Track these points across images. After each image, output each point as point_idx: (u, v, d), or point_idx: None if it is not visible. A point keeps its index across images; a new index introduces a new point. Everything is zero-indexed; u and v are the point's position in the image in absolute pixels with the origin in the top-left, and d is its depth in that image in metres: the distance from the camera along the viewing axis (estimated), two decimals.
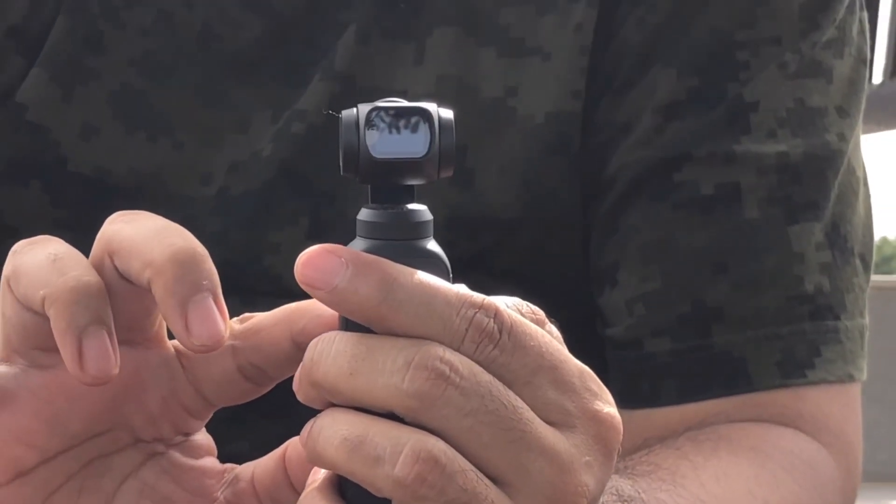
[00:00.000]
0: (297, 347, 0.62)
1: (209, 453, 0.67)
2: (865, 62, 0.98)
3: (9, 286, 0.62)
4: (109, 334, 0.60)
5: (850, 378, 0.91)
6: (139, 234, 0.61)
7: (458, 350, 0.55)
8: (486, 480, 0.55)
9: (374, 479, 0.55)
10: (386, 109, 0.55)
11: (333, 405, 0.57)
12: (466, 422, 0.54)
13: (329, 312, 0.61)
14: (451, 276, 0.57)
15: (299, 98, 0.94)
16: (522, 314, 0.57)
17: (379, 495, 0.55)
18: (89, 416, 0.64)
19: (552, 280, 0.92)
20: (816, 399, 0.90)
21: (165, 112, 0.95)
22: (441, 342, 0.55)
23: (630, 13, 0.92)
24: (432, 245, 0.57)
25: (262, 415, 0.85)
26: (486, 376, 0.55)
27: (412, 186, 0.57)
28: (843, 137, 0.95)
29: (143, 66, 0.95)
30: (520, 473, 0.55)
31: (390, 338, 0.55)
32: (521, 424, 0.55)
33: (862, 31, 0.99)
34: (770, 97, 0.92)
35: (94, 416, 0.64)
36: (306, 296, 0.92)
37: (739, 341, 0.89)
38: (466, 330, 0.55)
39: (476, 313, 0.55)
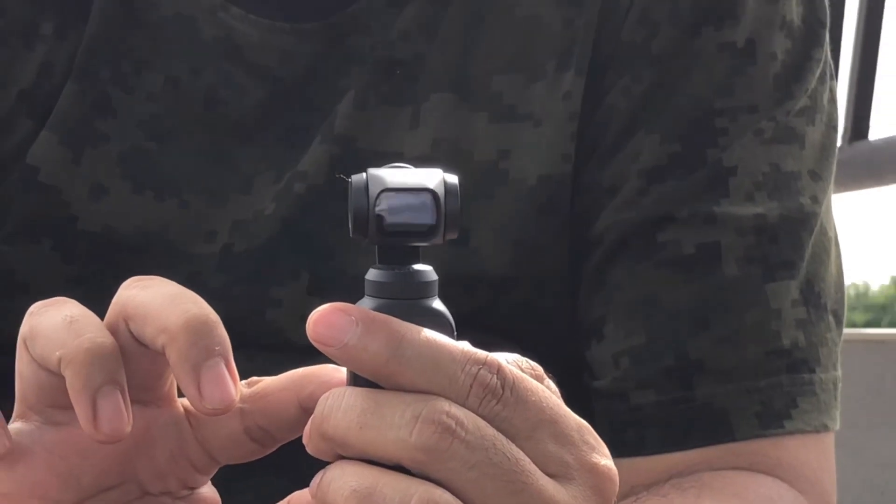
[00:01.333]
0: (304, 412, 0.63)
1: None
2: (835, 128, 1.00)
3: (25, 346, 0.63)
4: (123, 394, 0.61)
5: (825, 428, 0.92)
6: (154, 301, 0.61)
7: (463, 405, 0.56)
8: None
9: None
10: (396, 190, 0.56)
11: (343, 457, 0.57)
12: (472, 474, 0.55)
13: (336, 378, 0.62)
14: (455, 333, 0.57)
15: (300, 160, 0.94)
16: (522, 370, 0.58)
17: None
18: (101, 471, 0.64)
19: (543, 335, 0.93)
20: (794, 448, 0.90)
21: (171, 173, 0.95)
22: (447, 397, 0.55)
23: (616, 82, 0.93)
24: (437, 304, 0.58)
25: (268, 468, 0.86)
26: (490, 430, 0.55)
27: (418, 248, 0.58)
28: (816, 200, 0.96)
29: (151, 129, 0.96)
30: None
31: (398, 393, 0.56)
32: (524, 476, 0.55)
33: (832, 100, 1.00)
34: (747, 162, 0.93)
35: (105, 470, 0.65)
36: (308, 349, 0.93)
37: (721, 393, 0.90)
38: (471, 386, 0.56)
39: (480, 370, 0.56)
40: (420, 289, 0.57)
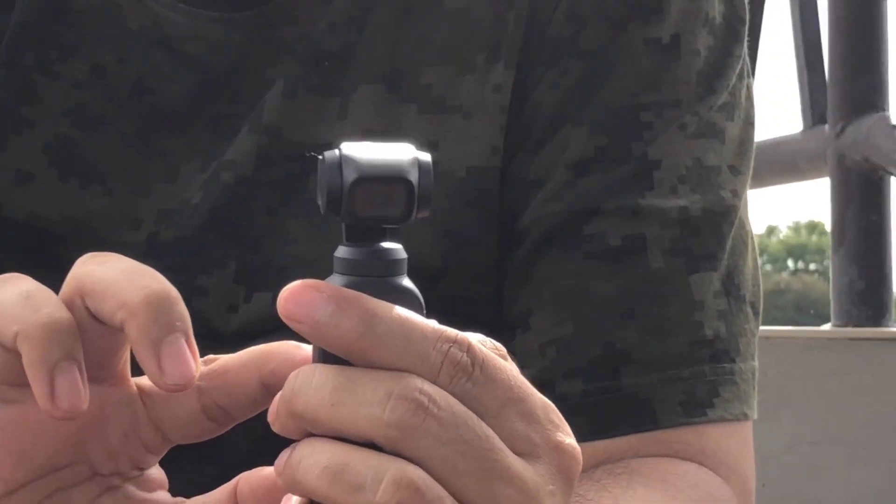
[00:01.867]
0: (265, 389, 0.62)
1: (161, 487, 0.67)
2: (753, 125, 1.01)
3: None
4: (80, 370, 0.59)
5: (745, 416, 0.93)
6: (113, 276, 0.60)
7: (434, 382, 0.55)
8: None
9: None
10: (370, 180, 0.55)
11: (311, 435, 0.56)
12: (443, 451, 0.54)
13: (300, 355, 0.61)
14: (424, 311, 0.57)
15: (228, 149, 0.93)
16: (487, 349, 0.57)
17: None
18: (53, 450, 0.63)
19: (472, 326, 0.92)
20: (716, 436, 0.91)
21: (97, 161, 0.94)
22: (418, 374, 0.55)
23: (544, 76, 0.93)
24: (407, 282, 0.57)
25: (189, 455, 0.84)
26: (461, 407, 0.55)
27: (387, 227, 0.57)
28: (735, 194, 0.96)
29: (77, 116, 0.94)
30: (490, 501, 0.55)
31: (370, 370, 0.55)
32: (494, 454, 0.55)
33: (749, 97, 1.01)
34: (671, 156, 0.94)
35: (57, 450, 0.63)
36: (236, 338, 0.91)
37: (646, 383, 0.90)
38: (442, 363, 0.55)
39: (451, 347, 0.55)
40: (390, 266, 0.57)
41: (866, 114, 2.77)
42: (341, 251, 0.57)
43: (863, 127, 2.77)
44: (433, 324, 0.56)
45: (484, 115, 0.93)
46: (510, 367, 0.57)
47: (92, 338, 0.61)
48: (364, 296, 0.56)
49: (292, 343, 0.61)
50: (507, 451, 0.55)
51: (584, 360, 0.91)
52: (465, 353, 0.55)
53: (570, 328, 0.91)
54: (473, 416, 0.55)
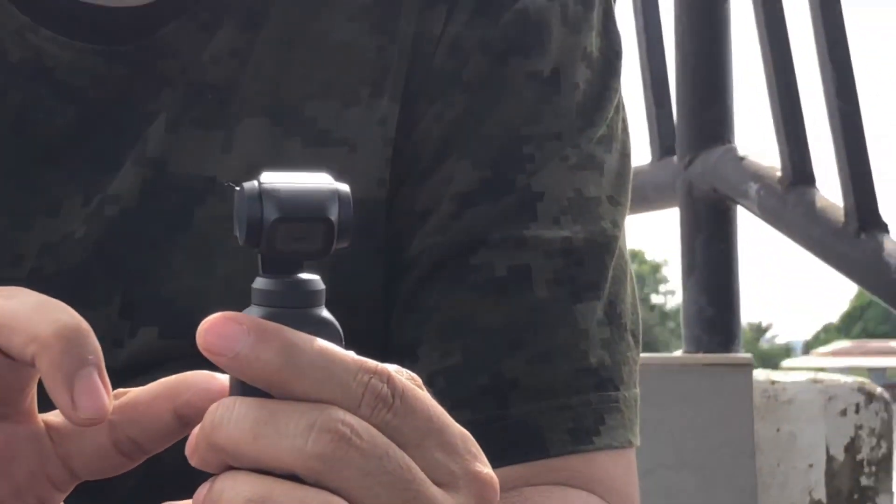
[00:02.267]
0: (179, 420, 0.61)
1: None
2: (629, 156, 1.02)
3: None
4: None
5: (629, 443, 0.94)
6: (22, 309, 0.58)
7: (355, 413, 0.54)
8: None
9: None
10: (290, 220, 0.55)
11: (231, 468, 0.55)
12: (366, 482, 0.54)
13: (215, 384, 0.60)
14: (343, 342, 0.56)
15: (111, 183, 0.92)
16: (405, 380, 0.57)
17: None
18: None
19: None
20: (604, 463, 0.92)
21: None
22: (339, 406, 0.54)
23: (429, 108, 0.93)
24: (326, 313, 0.56)
25: (80, 495, 0.83)
26: (382, 438, 0.54)
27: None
28: (615, 224, 0.97)
29: None
30: None
31: (291, 402, 0.54)
32: (416, 485, 0.55)
33: (625, 129, 1.02)
34: (553, 188, 0.94)
35: None
36: (123, 372, 0.89)
37: (534, 411, 0.90)
38: (363, 394, 0.55)
39: (371, 378, 0.55)
40: (309, 297, 0.56)
41: (713, 146, 2.82)
42: (259, 282, 0.56)
43: (711, 158, 2.81)
44: (353, 355, 0.55)
45: (369, 147, 0.92)
46: (428, 398, 0.56)
47: None
48: (284, 328, 0.55)
49: (206, 372, 0.61)
50: (428, 482, 0.55)
51: (472, 390, 0.91)
52: (385, 384, 0.55)
53: (458, 358, 0.91)
54: (395, 446, 0.55)
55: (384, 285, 0.93)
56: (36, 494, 0.62)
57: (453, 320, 0.91)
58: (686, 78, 2.90)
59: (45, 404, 0.62)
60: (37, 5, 0.93)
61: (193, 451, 0.56)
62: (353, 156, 0.92)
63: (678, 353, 2.95)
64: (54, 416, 0.63)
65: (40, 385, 0.62)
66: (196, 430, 0.56)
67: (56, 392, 0.57)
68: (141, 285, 0.91)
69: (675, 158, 2.92)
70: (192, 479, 0.87)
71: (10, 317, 0.58)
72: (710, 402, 2.54)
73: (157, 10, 0.94)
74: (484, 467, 0.57)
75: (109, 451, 0.62)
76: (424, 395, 0.56)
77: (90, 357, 0.58)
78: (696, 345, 2.81)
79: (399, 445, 0.55)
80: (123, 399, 0.62)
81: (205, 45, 0.94)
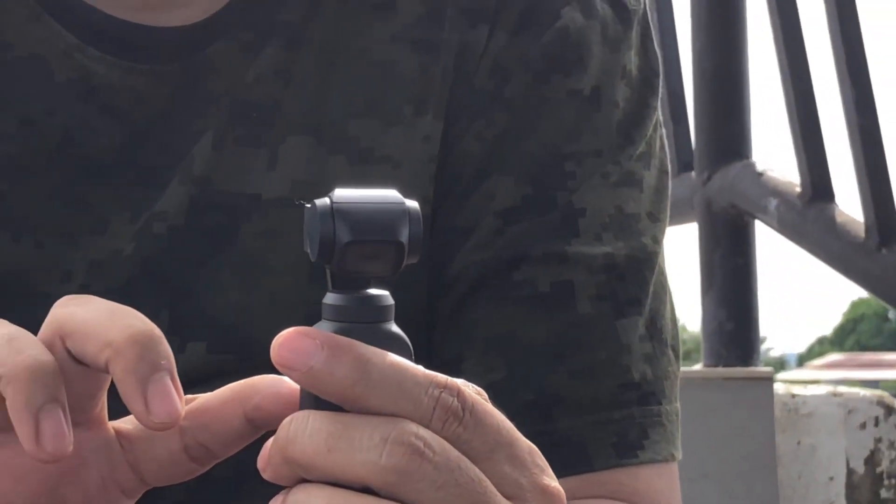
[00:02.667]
0: (249, 424, 0.61)
1: None
2: (667, 173, 1.02)
3: None
4: (64, 413, 0.58)
5: (672, 457, 0.94)
6: (96, 317, 0.59)
7: (427, 427, 0.54)
8: None
9: None
10: (362, 242, 0.55)
11: (304, 481, 0.55)
12: (439, 494, 0.54)
13: (286, 388, 0.60)
14: (413, 356, 0.57)
15: (158, 200, 0.92)
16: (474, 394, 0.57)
17: None
18: (32, 494, 0.62)
19: None
20: (647, 477, 0.92)
21: (27, 213, 0.92)
22: (411, 419, 0.54)
23: (470, 126, 0.94)
24: (396, 328, 0.57)
25: None
26: (454, 451, 0.55)
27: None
28: (655, 240, 0.97)
29: (6, 169, 0.93)
30: None
31: (364, 416, 0.55)
32: (486, 497, 0.55)
33: (663, 146, 1.02)
34: (595, 204, 0.95)
35: (36, 493, 0.62)
36: None
37: (579, 425, 0.90)
38: (434, 408, 0.55)
39: (442, 392, 0.55)
40: (379, 312, 0.56)
41: (732, 161, 2.82)
42: (330, 298, 0.57)
43: (729, 174, 2.82)
44: (423, 369, 0.56)
45: (413, 165, 0.93)
46: (496, 412, 0.57)
47: (71, 381, 0.60)
48: (357, 342, 0.55)
49: (275, 377, 0.61)
50: (498, 495, 0.55)
51: (517, 404, 0.91)
52: (455, 398, 0.55)
53: (503, 373, 0.91)
54: (466, 459, 0.55)
55: (427, 302, 0.93)
56: (106, 500, 0.63)
57: (497, 335, 0.92)
58: (704, 94, 2.90)
59: (114, 412, 0.63)
60: (84, 25, 0.94)
61: (267, 464, 0.56)
62: (396, 173, 0.93)
63: (697, 366, 2.94)
64: (124, 423, 0.64)
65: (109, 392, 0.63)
66: (268, 443, 0.57)
67: (130, 397, 0.58)
68: (187, 301, 0.91)
69: (693, 174, 2.92)
70: (239, 492, 0.88)
71: (84, 323, 0.59)
72: (732, 414, 2.54)
73: (202, 29, 0.95)
74: (551, 480, 0.57)
75: (179, 457, 0.62)
76: (493, 409, 0.56)
77: (163, 362, 0.58)
78: (716, 358, 2.81)
79: (469, 459, 0.55)
80: (193, 404, 0.62)
81: (249, 64, 0.94)
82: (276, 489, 0.59)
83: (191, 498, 0.85)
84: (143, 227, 0.92)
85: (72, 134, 0.93)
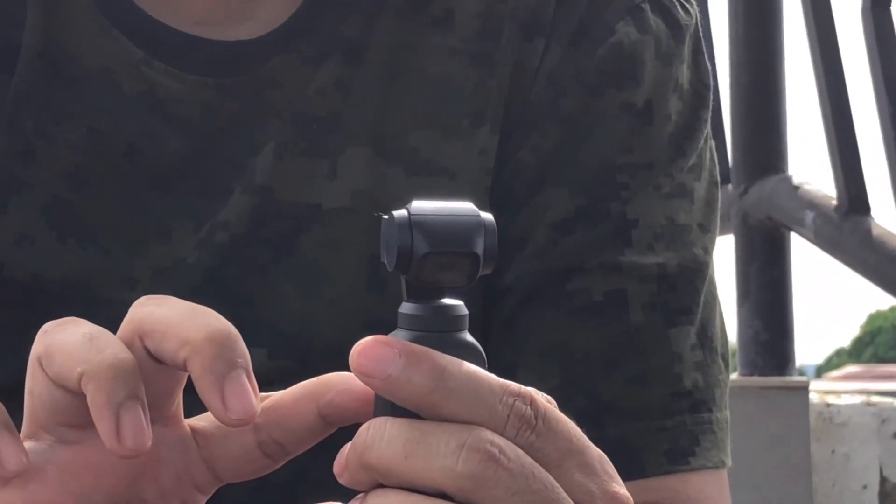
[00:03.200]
0: (323, 420, 0.62)
1: None
2: (717, 184, 1.02)
3: (40, 365, 0.61)
4: (144, 409, 0.59)
5: (723, 464, 0.94)
6: (174, 315, 0.60)
7: (501, 434, 0.55)
8: None
9: None
10: (440, 254, 0.55)
11: (380, 486, 0.56)
12: (513, 501, 0.54)
13: (359, 385, 0.61)
14: (486, 365, 0.57)
15: (220, 210, 0.93)
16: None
17: None
18: (111, 490, 0.63)
19: None
20: (698, 483, 0.92)
21: (93, 221, 0.93)
22: (486, 427, 0.55)
23: (525, 139, 0.94)
24: (469, 337, 0.57)
25: None
26: (528, 459, 0.55)
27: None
28: (706, 251, 0.98)
29: (73, 178, 0.94)
30: None
31: (441, 423, 0.55)
32: None
33: (712, 158, 1.03)
34: (647, 215, 0.95)
35: (115, 490, 0.63)
36: None
37: (631, 432, 0.91)
38: (508, 416, 0.55)
39: (516, 401, 0.56)
40: (454, 322, 0.57)
41: (768, 175, 2.82)
42: (406, 307, 0.57)
43: (766, 187, 2.82)
44: (497, 378, 0.56)
45: (469, 177, 0.93)
46: (567, 420, 0.57)
47: (149, 379, 0.61)
48: (433, 351, 0.56)
49: (348, 374, 0.61)
50: (570, 501, 0.56)
51: (570, 412, 0.91)
52: (528, 406, 0.56)
53: (556, 381, 0.92)
54: (539, 467, 0.55)
55: (481, 311, 0.94)
56: (180, 497, 0.63)
57: (550, 344, 0.92)
58: (740, 107, 2.90)
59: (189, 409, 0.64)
60: (150, 39, 0.95)
61: (343, 470, 0.57)
62: (453, 185, 0.93)
63: (733, 375, 2.94)
64: (199, 421, 0.65)
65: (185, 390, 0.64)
66: (345, 449, 0.57)
67: (207, 394, 0.58)
68: (249, 309, 0.92)
69: (730, 187, 2.92)
70: (296, 493, 0.89)
71: (162, 322, 0.60)
72: (767, 423, 2.54)
73: (265, 43, 0.95)
74: (620, 488, 0.58)
75: (254, 454, 0.62)
76: (564, 417, 0.57)
77: (240, 360, 0.59)
78: (752, 368, 2.81)
79: (541, 466, 0.56)
80: (268, 402, 0.63)
81: (310, 77, 0.95)
82: (332, 493, 0.60)
83: (252, 498, 0.86)
84: (206, 235, 0.93)
85: (137, 144, 0.94)
